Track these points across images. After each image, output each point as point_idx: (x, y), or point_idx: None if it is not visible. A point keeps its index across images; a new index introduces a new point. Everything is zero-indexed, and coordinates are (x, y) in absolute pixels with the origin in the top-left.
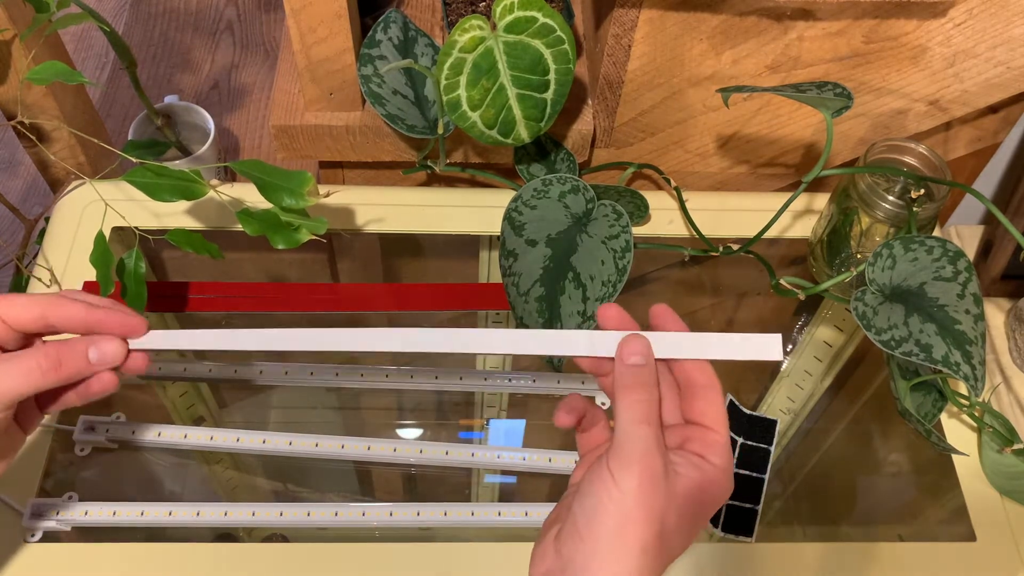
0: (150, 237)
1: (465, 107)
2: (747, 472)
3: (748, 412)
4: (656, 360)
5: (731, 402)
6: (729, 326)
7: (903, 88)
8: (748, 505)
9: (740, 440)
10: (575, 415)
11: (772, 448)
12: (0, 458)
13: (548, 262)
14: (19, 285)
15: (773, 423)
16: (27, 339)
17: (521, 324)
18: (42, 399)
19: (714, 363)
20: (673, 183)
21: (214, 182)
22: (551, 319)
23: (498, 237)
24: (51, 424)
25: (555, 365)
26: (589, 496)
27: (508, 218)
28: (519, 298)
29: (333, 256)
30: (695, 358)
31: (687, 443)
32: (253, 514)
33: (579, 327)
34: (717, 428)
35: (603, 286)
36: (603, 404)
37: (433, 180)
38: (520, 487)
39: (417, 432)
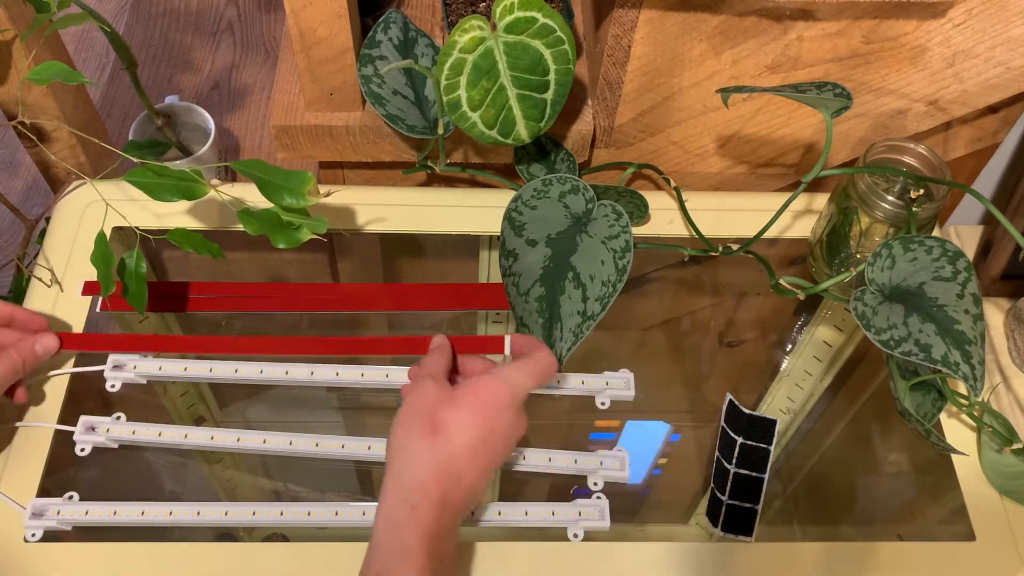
0: (151, 237)
1: (465, 107)
2: (747, 472)
3: (748, 412)
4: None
5: (731, 402)
6: (729, 326)
7: (903, 88)
8: (748, 505)
9: (740, 440)
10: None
11: (772, 448)
12: None
13: (548, 262)
14: (20, 285)
15: (773, 423)
16: None
17: (521, 324)
18: None
19: (713, 364)
20: (673, 183)
21: (215, 182)
22: (551, 319)
23: (498, 237)
24: (51, 424)
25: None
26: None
27: (508, 218)
28: (519, 298)
29: (333, 256)
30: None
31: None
32: (253, 514)
33: (579, 327)
34: (482, 369)
35: (603, 286)
36: (602, 404)
37: (433, 180)
38: (520, 487)
39: None
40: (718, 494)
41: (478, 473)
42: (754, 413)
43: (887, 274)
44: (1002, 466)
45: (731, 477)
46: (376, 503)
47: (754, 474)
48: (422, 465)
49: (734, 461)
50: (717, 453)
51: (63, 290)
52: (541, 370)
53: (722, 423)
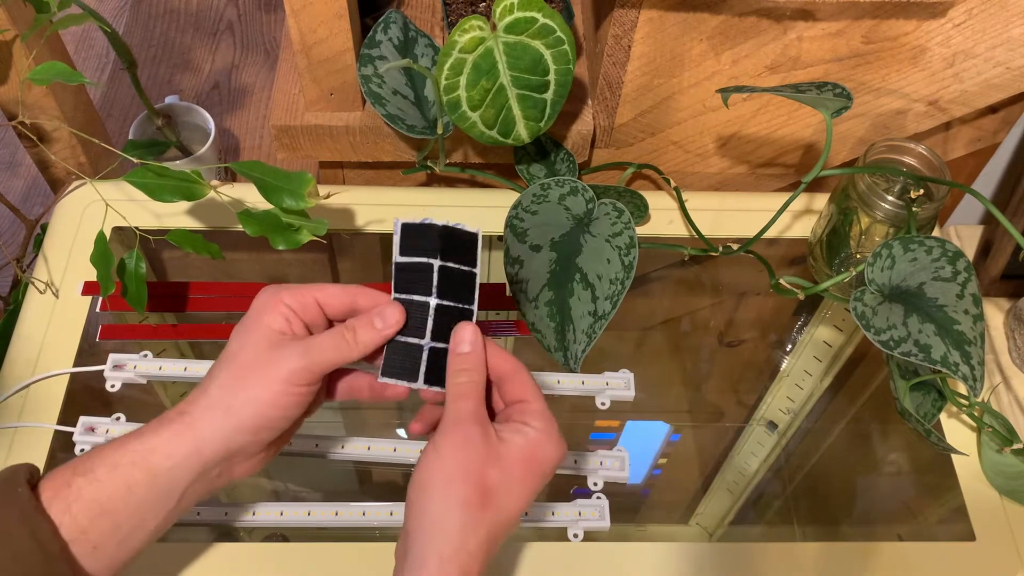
0: (151, 237)
1: (465, 107)
2: (453, 303)
3: (443, 224)
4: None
5: (404, 224)
6: (729, 326)
7: (903, 88)
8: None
9: (437, 263)
10: (425, 423)
11: (478, 270)
12: (286, 437)
13: (554, 265)
14: (17, 288)
15: (474, 236)
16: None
17: (534, 330)
18: (333, 384)
19: (713, 364)
20: (673, 183)
21: (214, 182)
22: (563, 322)
23: (499, 237)
24: (51, 425)
25: (571, 367)
26: (417, 471)
27: (510, 225)
28: (528, 304)
29: (333, 256)
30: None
31: (511, 417)
32: (253, 514)
33: (591, 327)
34: (531, 399)
35: (611, 284)
36: (602, 404)
37: (433, 180)
38: None
39: None
40: (411, 339)
41: (511, 531)
42: (450, 224)
43: (887, 274)
44: (1002, 466)
45: (433, 311)
46: (373, 503)
47: (462, 305)
48: (468, 541)
49: (434, 291)
50: (398, 294)
51: (61, 291)
52: None
53: (398, 254)
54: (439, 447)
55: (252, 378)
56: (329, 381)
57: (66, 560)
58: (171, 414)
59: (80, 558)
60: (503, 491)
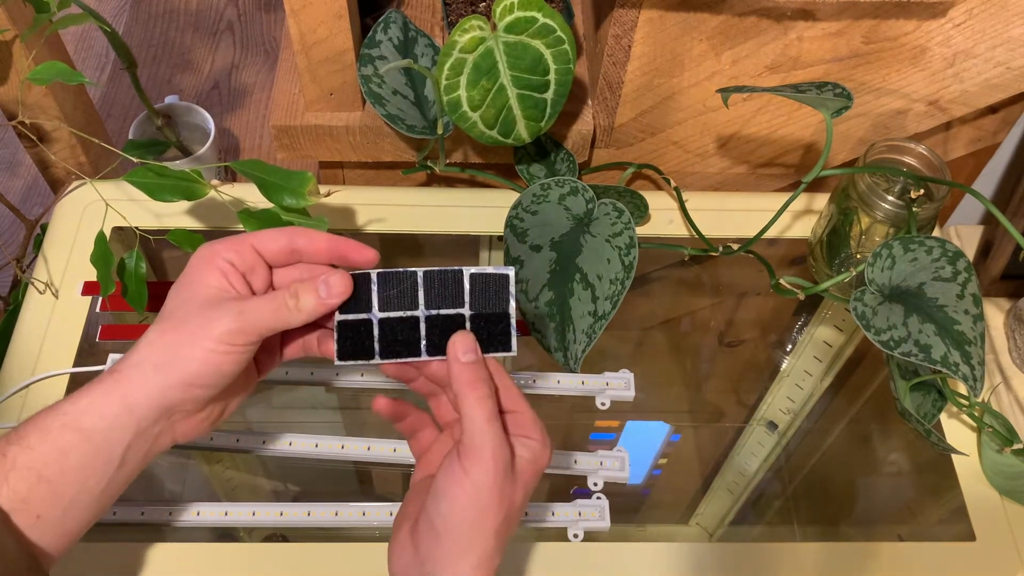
0: (151, 237)
1: (465, 107)
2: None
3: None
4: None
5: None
6: (729, 326)
7: (903, 88)
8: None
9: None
10: (397, 417)
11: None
12: (234, 395)
13: (554, 266)
14: (17, 288)
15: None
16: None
17: (533, 330)
18: (285, 342)
19: (713, 364)
20: (673, 183)
21: (214, 182)
22: (563, 322)
23: (498, 237)
24: None
25: (571, 367)
26: (444, 497)
27: (510, 225)
28: (529, 304)
29: None
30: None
31: (510, 430)
32: (253, 514)
33: (591, 327)
34: (522, 409)
35: (611, 284)
36: (602, 404)
37: (433, 180)
38: None
39: None
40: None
41: None
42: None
43: (887, 274)
44: (1002, 466)
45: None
46: (373, 503)
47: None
48: (495, 558)
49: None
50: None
51: (61, 291)
52: None
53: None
54: (471, 474)
55: (183, 336)
56: (282, 343)
57: (9, 531)
58: (104, 374)
59: (25, 530)
60: (521, 507)
